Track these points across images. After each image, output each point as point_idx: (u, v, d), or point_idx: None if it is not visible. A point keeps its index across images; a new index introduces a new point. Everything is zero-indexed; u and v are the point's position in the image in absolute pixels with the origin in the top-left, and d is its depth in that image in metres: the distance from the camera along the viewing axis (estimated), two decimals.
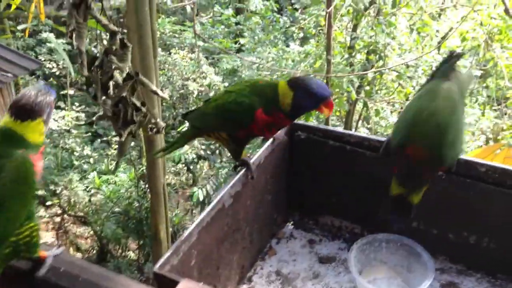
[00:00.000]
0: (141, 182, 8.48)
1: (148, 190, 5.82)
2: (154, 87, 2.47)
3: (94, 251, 8.92)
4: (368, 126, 7.33)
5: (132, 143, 10.57)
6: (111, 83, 2.34)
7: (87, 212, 8.92)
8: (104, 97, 2.32)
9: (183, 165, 8.98)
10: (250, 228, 1.77)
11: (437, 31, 7.67)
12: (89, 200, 9.15)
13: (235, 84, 1.86)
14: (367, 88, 6.20)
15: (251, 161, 1.67)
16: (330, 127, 1.93)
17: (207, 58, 10.20)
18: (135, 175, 8.49)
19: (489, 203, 1.66)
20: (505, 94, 8.45)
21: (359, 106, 7.65)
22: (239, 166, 1.68)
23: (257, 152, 1.72)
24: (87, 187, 9.25)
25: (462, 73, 1.66)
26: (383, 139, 1.77)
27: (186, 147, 9.30)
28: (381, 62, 6.56)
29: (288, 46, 8.21)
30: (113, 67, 2.27)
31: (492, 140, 6.00)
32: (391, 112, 6.79)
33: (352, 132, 1.89)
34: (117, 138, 9.94)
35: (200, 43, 9.63)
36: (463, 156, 1.69)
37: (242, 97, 1.62)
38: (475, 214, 1.70)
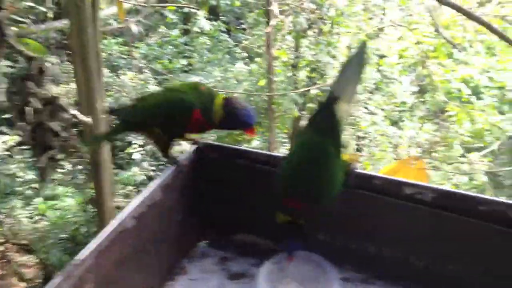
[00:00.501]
0: (89, 206, 8.29)
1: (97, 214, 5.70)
2: (72, 111, 2.46)
3: (40, 280, 8.58)
4: None
5: (80, 166, 10.35)
6: (29, 109, 2.31)
7: (31, 239, 8.59)
8: (21, 123, 2.28)
9: (133, 187, 8.84)
10: (158, 248, 1.78)
11: (377, 49, 7.99)
12: (34, 227, 8.83)
13: (177, 85, 1.95)
14: (310, 105, 6.35)
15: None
16: (238, 147, 1.97)
17: (155, 78, 10.18)
18: (83, 199, 8.28)
19: (385, 214, 1.74)
20: (442, 108, 8.87)
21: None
22: (169, 163, 1.81)
23: (163, 173, 1.74)
24: (31, 213, 8.94)
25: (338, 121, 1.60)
26: None
27: (135, 169, 9.19)
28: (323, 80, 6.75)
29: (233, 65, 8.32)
30: (29, 92, 2.25)
31: (426, 153, 6.29)
32: None
33: (260, 150, 1.94)
34: (63, 162, 9.65)
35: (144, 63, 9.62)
36: (363, 171, 1.78)
37: (184, 94, 1.76)
38: (373, 225, 1.78)
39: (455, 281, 1.70)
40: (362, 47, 1.70)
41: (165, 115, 1.78)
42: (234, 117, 1.72)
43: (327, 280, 1.75)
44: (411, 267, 1.77)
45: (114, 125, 2.15)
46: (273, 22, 4.69)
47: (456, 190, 1.66)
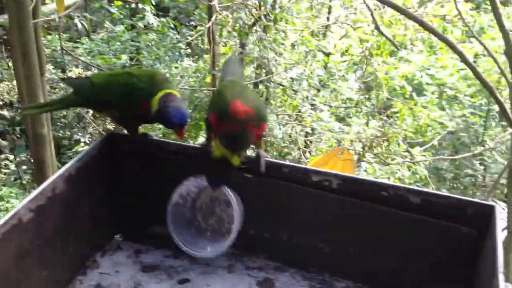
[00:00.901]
0: None
1: None
2: None
3: None
4: None
5: (24, 166, 9.99)
6: None
7: None
8: None
9: None
10: (63, 242, 1.72)
11: (324, 47, 8.11)
12: None
13: (136, 70, 2.03)
14: None
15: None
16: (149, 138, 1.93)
17: None
18: None
19: (293, 201, 1.76)
20: (387, 104, 9.13)
21: None
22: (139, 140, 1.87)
23: (65, 165, 1.69)
24: None
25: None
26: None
27: None
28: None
29: (178, 62, 8.23)
30: None
31: (367, 147, 6.46)
32: (279, 123, 7.03)
33: (172, 141, 1.91)
34: (7, 162, 9.22)
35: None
36: (273, 159, 1.79)
37: (139, 81, 1.77)
38: (283, 213, 1.79)
39: (358, 265, 1.74)
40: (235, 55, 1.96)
41: (117, 98, 1.80)
42: (164, 114, 1.71)
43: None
44: (320, 253, 1.79)
45: (63, 97, 2.09)
46: (213, 18, 4.63)
47: (360, 177, 1.70)
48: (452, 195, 1.61)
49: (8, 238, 1.45)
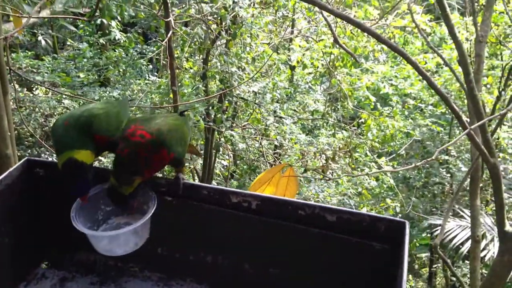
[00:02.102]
0: None
1: None
2: None
3: None
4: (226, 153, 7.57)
5: None
6: None
7: None
8: None
9: None
10: None
11: (287, 60, 8.19)
12: None
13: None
14: (219, 116, 6.37)
15: None
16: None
17: (71, 93, 9.82)
18: None
19: (214, 223, 1.76)
20: (357, 115, 9.25)
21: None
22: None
23: None
24: None
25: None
26: None
27: None
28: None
29: (142, 78, 8.22)
30: None
31: (331, 160, 6.52)
32: (242, 137, 7.04)
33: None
34: None
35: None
36: (190, 181, 1.78)
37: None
38: (205, 235, 1.79)
39: (280, 285, 1.74)
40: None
41: None
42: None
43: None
44: (246, 274, 1.79)
45: None
46: (169, 34, 4.65)
47: (277, 197, 1.71)
48: (364, 212, 1.64)
49: None
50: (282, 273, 1.75)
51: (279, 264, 1.74)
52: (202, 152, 6.98)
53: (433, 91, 8.71)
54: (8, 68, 4.25)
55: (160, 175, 2.21)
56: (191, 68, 7.63)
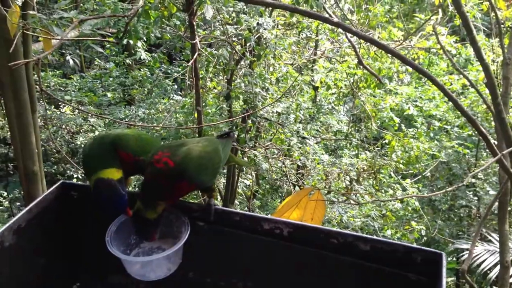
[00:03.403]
0: None
1: None
2: None
3: None
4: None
5: (18, 203, 9.97)
6: None
7: None
8: None
9: None
10: None
11: (311, 80, 8.22)
12: None
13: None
14: (242, 136, 6.41)
15: None
16: None
17: (96, 111, 10.04)
18: None
19: (246, 249, 1.75)
20: (378, 136, 9.19)
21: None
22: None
23: (15, 217, 1.69)
24: None
25: None
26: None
27: None
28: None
29: (165, 98, 8.35)
30: None
31: (355, 181, 6.45)
32: (264, 157, 7.05)
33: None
34: (1, 199, 9.16)
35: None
36: (222, 207, 1.79)
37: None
38: (236, 261, 1.79)
39: None
40: None
41: None
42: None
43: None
44: None
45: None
46: (195, 55, 4.72)
47: (309, 224, 1.70)
48: (399, 242, 1.61)
49: None
50: None
51: None
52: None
53: (459, 112, 8.61)
54: (38, 87, 4.39)
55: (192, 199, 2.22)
56: (214, 88, 7.71)
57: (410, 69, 8.11)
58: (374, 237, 1.62)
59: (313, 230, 1.67)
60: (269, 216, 1.74)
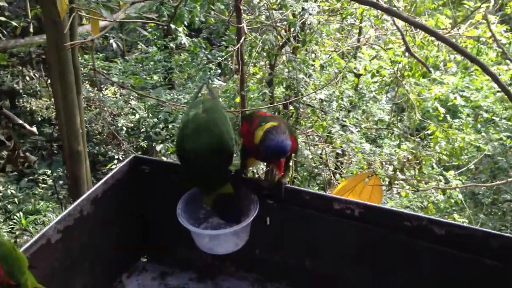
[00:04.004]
0: None
1: None
2: (19, 121, 2.46)
3: None
4: None
5: (61, 182, 10.31)
6: None
7: None
8: None
9: None
10: (91, 263, 1.77)
11: (354, 68, 8.10)
12: (15, 242, 8.72)
13: None
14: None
15: None
16: (170, 161, 1.98)
17: (137, 94, 10.22)
18: None
19: (316, 228, 1.75)
20: (420, 126, 8.99)
21: None
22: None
23: (93, 187, 1.74)
24: (12, 228, 8.85)
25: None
26: None
27: None
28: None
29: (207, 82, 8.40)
30: None
31: (398, 171, 6.36)
32: (309, 144, 7.02)
33: None
34: (45, 177, 9.46)
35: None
36: (292, 186, 1.80)
37: None
38: (305, 240, 1.79)
39: None
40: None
41: None
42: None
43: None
44: (346, 281, 1.78)
45: None
46: (242, 40, 4.71)
47: (382, 206, 1.69)
48: (477, 227, 1.58)
49: (37, 258, 1.51)
50: (384, 283, 1.72)
51: (381, 274, 1.71)
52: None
53: (507, 104, 8.32)
54: (94, 69, 4.51)
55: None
56: (256, 73, 7.70)
57: (458, 58, 7.88)
58: (450, 221, 1.60)
59: (386, 212, 1.66)
60: (339, 196, 1.73)
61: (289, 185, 1.77)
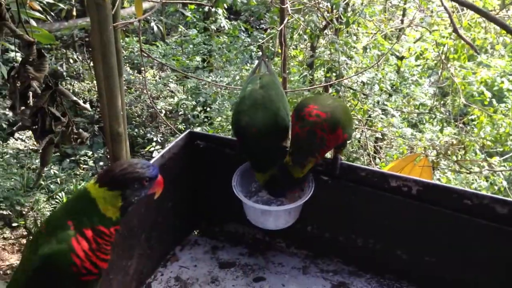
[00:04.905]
0: None
1: None
2: (74, 98, 2.52)
3: None
4: None
5: (101, 163, 10.59)
6: (30, 93, 2.38)
7: None
8: (22, 107, 2.35)
9: None
10: (147, 235, 1.81)
11: (397, 50, 7.89)
12: None
13: None
14: None
15: None
16: (225, 136, 1.99)
17: (177, 77, 10.33)
18: None
19: (370, 205, 1.74)
20: (464, 111, 8.72)
21: None
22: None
23: (151, 160, 1.77)
24: (54, 207, 9.16)
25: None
26: None
27: None
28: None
29: (248, 64, 8.38)
30: (30, 77, 2.30)
31: (442, 155, 6.19)
32: None
33: None
34: (86, 158, 9.74)
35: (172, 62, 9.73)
36: (347, 162, 1.77)
37: None
38: (359, 217, 1.78)
39: (437, 275, 1.69)
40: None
41: None
42: None
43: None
44: (398, 259, 1.76)
45: None
46: (285, 21, 4.66)
47: (442, 183, 1.65)
48: None
49: None
50: (438, 263, 1.69)
51: (436, 253, 1.69)
52: None
53: None
54: (140, 50, 4.57)
55: None
56: (297, 56, 7.63)
57: (507, 40, 7.55)
58: None
59: (446, 189, 1.62)
60: (396, 173, 1.70)
61: (344, 161, 1.75)
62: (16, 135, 9.25)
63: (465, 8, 7.14)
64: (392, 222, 1.73)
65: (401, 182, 1.67)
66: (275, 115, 1.67)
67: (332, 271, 1.86)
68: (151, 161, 1.77)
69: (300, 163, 1.57)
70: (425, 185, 1.63)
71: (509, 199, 1.54)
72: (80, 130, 2.60)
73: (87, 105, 3.34)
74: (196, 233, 2.08)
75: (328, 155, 1.77)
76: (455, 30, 5.81)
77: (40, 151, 2.42)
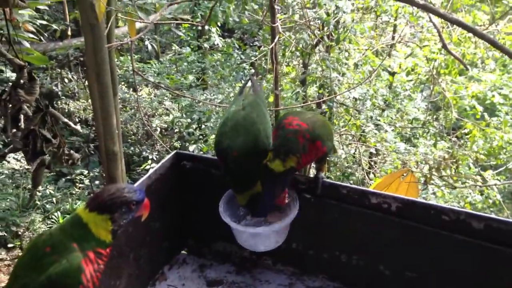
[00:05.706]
0: None
1: None
2: (65, 119, 2.57)
3: None
4: None
5: (97, 181, 10.59)
6: (21, 116, 2.42)
7: None
8: (14, 130, 2.39)
9: None
10: (135, 254, 1.85)
11: (389, 66, 8.00)
12: None
13: None
14: None
15: None
16: (211, 157, 2.04)
17: (171, 95, 10.40)
18: None
19: (352, 222, 1.78)
20: (456, 125, 8.80)
21: None
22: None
23: (137, 182, 1.82)
24: (50, 227, 9.13)
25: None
26: None
27: None
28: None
29: (242, 81, 8.47)
30: (21, 100, 2.36)
31: (434, 170, 6.25)
32: (342, 143, 6.99)
33: None
34: (82, 177, 9.76)
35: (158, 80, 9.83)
36: (329, 180, 1.82)
37: None
38: (342, 234, 1.82)
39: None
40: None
41: None
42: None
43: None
44: (381, 275, 1.79)
45: None
46: (276, 39, 4.75)
47: (419, 200, 1.69)
48: None
49: None
50: (419, 278, 1.73)
51: (416, 269, 1.72)
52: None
53: None
54: (132, 70, 4.65)
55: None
56: (290, 73, 7.72)
57: (496, 55, 7.67)
58: (490, 215, 1.59)
59: (424, 206, 1.66)
60: (376, 190, 1.75)
61: (326, 179, 1.79)
62: (12, 154, 9.26)
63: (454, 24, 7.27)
64: (374, 239, 1.77)
65: (381, 199, 1.71)
66: (255, 138, 1.70)
67: (318, 287, 1.89)
68: (138, 182, 1.81)
69: (281, 157, 1.60)
70: (404, 202, 1.68)
71: (483, 214, 1.58)
72: (71, 151, 2.64)
73: (78, 126, 3.38)
74: (184, 252, 2.11)
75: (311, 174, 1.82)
76: (444, 46, 5.92)
77: (32, 172, 2.46)
